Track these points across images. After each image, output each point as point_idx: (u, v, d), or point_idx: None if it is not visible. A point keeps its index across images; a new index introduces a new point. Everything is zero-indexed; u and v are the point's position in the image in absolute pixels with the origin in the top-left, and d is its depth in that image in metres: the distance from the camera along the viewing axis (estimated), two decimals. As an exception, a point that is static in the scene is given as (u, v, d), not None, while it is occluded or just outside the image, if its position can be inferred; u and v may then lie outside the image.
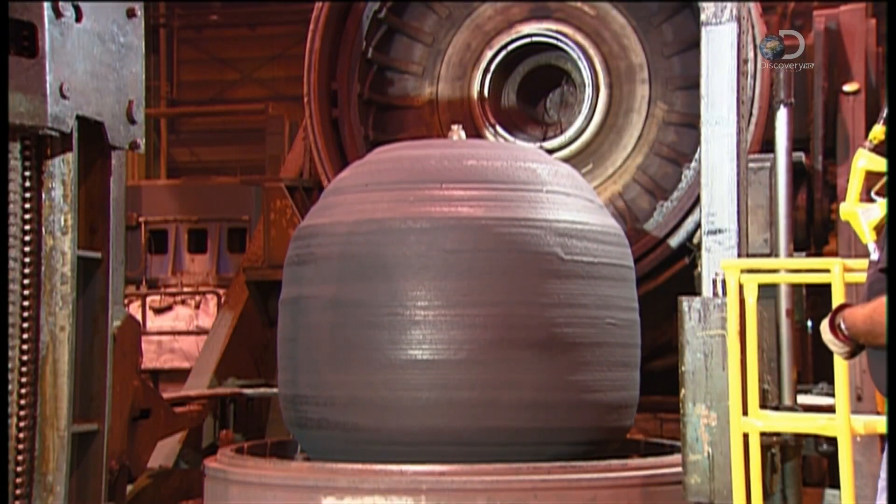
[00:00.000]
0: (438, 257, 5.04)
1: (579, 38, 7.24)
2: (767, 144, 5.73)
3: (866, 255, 3.89)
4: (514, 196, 5.21)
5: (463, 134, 5.73)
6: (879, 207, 3.93)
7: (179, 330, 14.33)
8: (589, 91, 7.18)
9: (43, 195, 3.91)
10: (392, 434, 5.00)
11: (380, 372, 5.02)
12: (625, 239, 5.54)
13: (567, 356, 5.05)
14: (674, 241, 6.83)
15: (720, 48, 4.61)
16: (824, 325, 3.42)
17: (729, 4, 4.59)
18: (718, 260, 4.44)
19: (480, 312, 4.99)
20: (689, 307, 4.40)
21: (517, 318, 5.01)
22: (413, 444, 4.93)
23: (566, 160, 7.26)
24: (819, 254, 7.08)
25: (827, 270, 3.94)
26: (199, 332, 13.64)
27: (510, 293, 5.02)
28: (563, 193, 5.34)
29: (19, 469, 3.83)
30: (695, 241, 6.70)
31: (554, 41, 7.29)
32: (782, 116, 4.92)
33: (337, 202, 5.49)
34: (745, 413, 4.08)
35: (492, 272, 5.03)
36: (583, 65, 7.21)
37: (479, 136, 7.44)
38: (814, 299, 6.98)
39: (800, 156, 6.48)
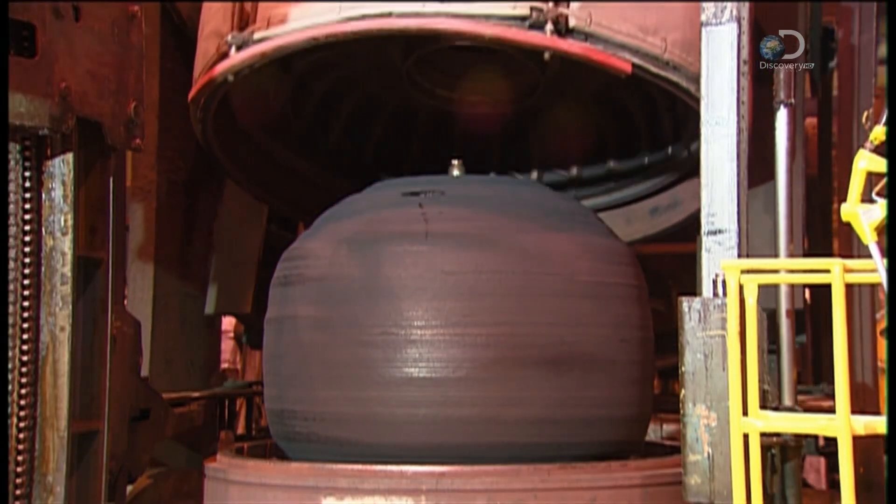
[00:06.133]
0: (437, 279, 5.01)
1: None
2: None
3: (867, 255, 3.90)
4: (517, 221, 5.20)
5: (458, 171, 5.70)
6: (880, 208, 3.93)
7: (179, 330, 14.26)
8: None
9: (43, 195, 3.91)
10: (386, 449, 4.96)
11: (373, 388, 4.99)
12: (635, 260, 5.53)
13: (576, 374, 5.03)
14: None
15: (720, 48, 4.60)
16: None
17: (729, 4, 4.58)
18: (718, 260, 4.44)
19: (482, 332, 4.96)
20: (689, 307, 4.40)
21: (521, 338, 4.98)
22: (410, 458, 4.87)
23: None
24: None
25: (827, 270, 3.94)
26: (199, 331, 13.57)
27: (513, 313, 4.99)
28: (568, 219, 5.34)
29: (19, 469, 3.83)
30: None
31: None
32: (782, 116, 4.92)
33: (329, 228, 5.48)
34: (745, 413, 4.08)
35: (494, 293, 5.00)
36: None
37: None
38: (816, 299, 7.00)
39: (800, 156, 6.49)
